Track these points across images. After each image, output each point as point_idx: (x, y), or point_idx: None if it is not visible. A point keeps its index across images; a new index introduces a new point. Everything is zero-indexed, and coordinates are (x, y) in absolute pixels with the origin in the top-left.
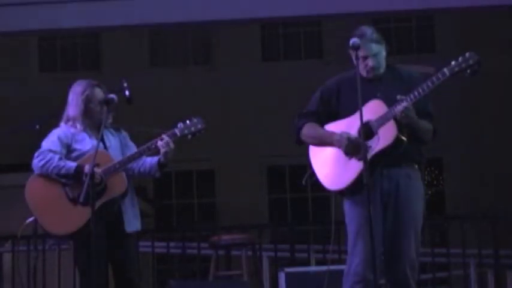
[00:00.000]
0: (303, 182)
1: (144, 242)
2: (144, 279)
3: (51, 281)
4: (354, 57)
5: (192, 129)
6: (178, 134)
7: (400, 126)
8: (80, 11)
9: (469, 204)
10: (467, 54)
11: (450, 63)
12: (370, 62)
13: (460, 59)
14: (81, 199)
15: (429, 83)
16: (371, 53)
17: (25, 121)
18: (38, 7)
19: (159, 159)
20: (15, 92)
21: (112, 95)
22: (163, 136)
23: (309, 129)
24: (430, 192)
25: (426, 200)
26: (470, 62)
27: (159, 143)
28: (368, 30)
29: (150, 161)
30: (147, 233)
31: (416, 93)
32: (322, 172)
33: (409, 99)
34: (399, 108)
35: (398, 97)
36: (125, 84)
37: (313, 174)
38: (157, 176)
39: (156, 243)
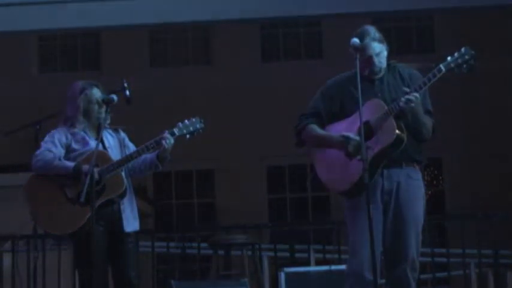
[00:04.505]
0: (307, 186)
1: (144, 242)
2: (144, 279)
3: (51, 281)
4: (355, 57)
5: (191, 128)
6: (176, 133)
7: (399, 124)
8: (80, 11)
9: (469, 204)
10: (462, 50)
11: (446, 59)
12: (372, 61)
13: (455, 54)
14: (80, 199)
15: (426, 80)
16: (374, 52)
17: (25, 121)
18: (38, 7)
19: (157, 154)
20: (15, 92)
21: (112, 95)
22: (165, 132)
23: (309, 132)
24: (429, 192)
25: (426, 200)
26: (466, 57)
27: (163, 141)
28: (371, 30)
29: (150, 157)
30: (147, 233)
31: (413, 90)
32: (324, 174)
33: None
34: (399, 102)
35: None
36: (125, 84)
37: (316, 177)
38: (159, 170)
39: (156, 243)
